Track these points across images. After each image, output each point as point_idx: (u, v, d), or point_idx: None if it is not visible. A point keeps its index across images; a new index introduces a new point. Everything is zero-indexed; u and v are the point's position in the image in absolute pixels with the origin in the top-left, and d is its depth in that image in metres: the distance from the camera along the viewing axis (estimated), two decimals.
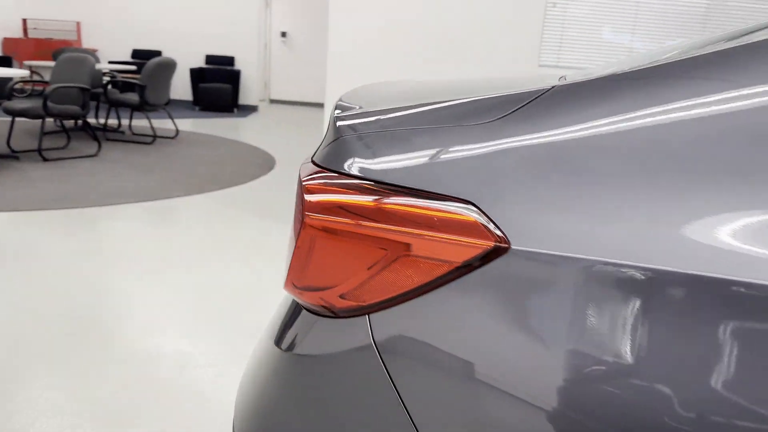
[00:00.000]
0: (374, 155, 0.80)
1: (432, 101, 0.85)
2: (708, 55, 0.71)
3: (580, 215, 0.66)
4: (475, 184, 0.71)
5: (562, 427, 0.65)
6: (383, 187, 0.76)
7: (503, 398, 0.68)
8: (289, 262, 0.85)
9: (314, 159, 0.87)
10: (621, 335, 0.63)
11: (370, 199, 0.75)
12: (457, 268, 0.70)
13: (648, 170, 0.65)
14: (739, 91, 0.65)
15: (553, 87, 0.76)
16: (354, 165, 0.80)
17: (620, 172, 0.66)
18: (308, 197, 0.80)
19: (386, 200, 0.74)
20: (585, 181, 0.67)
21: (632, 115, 0.69)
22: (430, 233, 0.72)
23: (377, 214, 0.74)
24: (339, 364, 0.79)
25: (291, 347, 0.86)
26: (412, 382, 0.73)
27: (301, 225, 0.80)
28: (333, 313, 0.80)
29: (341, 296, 0.78)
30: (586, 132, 0.70)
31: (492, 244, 0.69)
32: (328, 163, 0.83)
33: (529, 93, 0.77)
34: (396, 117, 0.84)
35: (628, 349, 0.63)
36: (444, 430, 0.71)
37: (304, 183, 0.82)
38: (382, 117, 0.85)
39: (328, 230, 0.78)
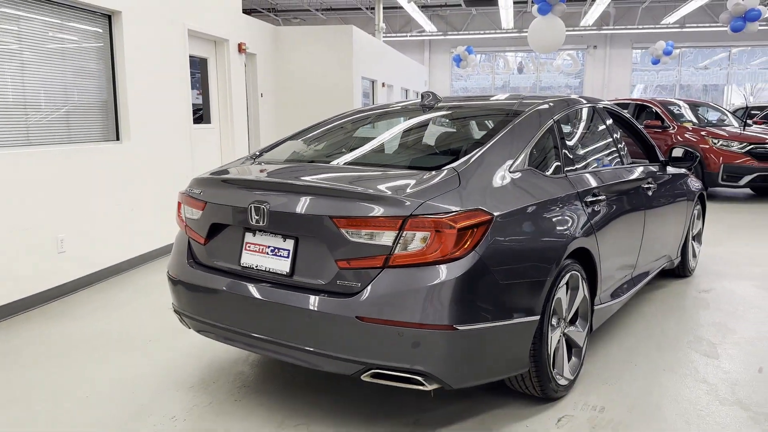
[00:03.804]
0: (449, 203, 2.33)
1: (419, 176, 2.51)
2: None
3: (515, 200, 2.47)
4: (477, 203, 2.34)
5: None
6: (452, 213, 2.29)
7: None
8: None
9: (417, 212, 2.30)
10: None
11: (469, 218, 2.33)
12: (487, 226, 2.30)
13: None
14: None
15: (453, 169, 2.54)
16: (435, 207, 2.30)
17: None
18: (457, 223, 2.27)
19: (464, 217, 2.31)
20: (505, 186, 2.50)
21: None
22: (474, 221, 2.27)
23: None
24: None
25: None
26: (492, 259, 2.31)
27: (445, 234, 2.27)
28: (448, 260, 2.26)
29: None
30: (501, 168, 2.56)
31: (491, 216, 2.25)
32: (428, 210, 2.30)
33: (437, 177, 2.50)
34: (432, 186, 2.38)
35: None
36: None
37: (446, 218, 2.27)
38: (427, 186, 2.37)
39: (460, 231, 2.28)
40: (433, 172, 2.56)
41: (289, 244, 2.55)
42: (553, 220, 2.77)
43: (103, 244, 4.97)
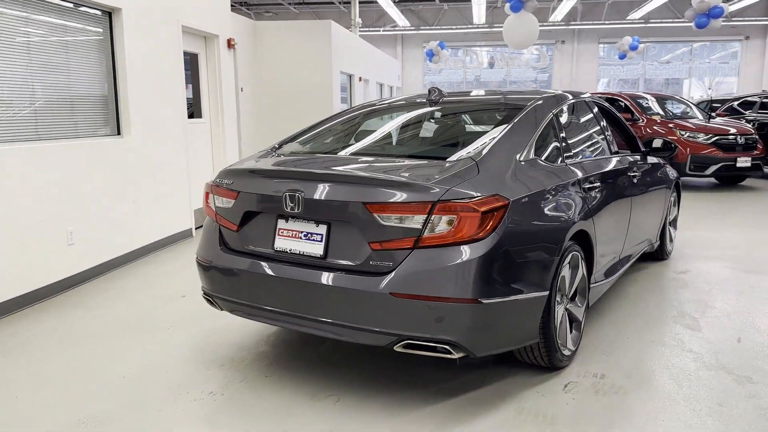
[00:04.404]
0: (471, 189, 2.56)
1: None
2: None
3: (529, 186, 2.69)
4: (495, 189, 2.55)
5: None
6: (476, 198, 2.52)
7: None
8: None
9: (444, 198, 2.52)
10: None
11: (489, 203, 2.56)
12: (504, 210, 2.52)
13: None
14: None
15: (471, 159, 2.77)
16: (462, 193, 2.56)
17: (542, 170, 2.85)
18: (480, 207, 2.52)
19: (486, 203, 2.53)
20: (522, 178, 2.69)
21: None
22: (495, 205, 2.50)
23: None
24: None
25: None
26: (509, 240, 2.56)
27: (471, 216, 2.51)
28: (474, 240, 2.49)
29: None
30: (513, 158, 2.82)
31: (508, 201, 2.51)
32: (454, 195, 2.53)
33: (459, 167, 2.73)
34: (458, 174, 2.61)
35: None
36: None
37: (470, 203, 2.50)
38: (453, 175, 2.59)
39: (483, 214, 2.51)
40: (453, 162, 2.80)
41: (322, 229, 2.76)
42: (558, 204, 3.04)
43: (108, 237, 5.09)
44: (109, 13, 5.22)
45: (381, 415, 2.76)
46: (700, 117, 10.95)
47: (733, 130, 9.90)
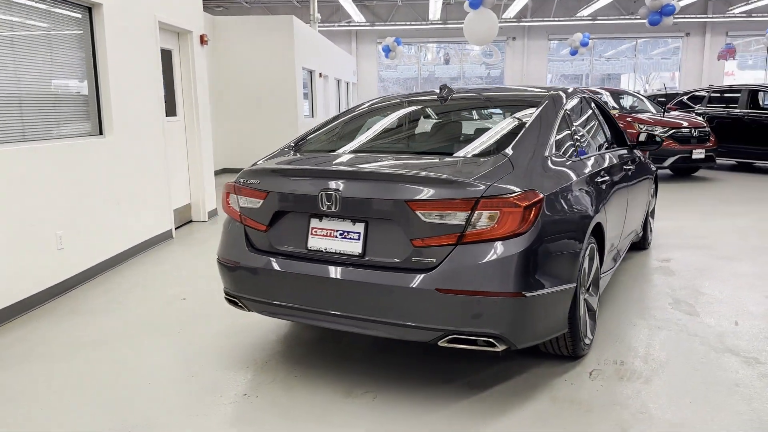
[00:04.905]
0: (511, 185, 2.65)
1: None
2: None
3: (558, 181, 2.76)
4: (530, 184, 2.62)
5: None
6: (516, 193, 2.58)
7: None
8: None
9: (487, 194, 2.56)
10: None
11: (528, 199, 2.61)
12: (540, 205, 2.60)
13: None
14: None
15: (504, 155, 2.83)
16: (502, 189, 2.63)
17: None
18: (521, 203, 2.58)
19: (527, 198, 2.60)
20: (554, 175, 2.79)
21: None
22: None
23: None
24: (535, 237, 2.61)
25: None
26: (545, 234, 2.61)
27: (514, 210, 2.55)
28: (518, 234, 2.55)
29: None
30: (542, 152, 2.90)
31: (542, 195, 2.57)
32: (495, 192, 2.57)
33: (488, 167, 2.78)
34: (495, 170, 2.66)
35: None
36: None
37: (512, 198, 2.55)
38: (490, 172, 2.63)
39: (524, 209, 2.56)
40: (487, 158, 2.85)
41: (360, 227, 2.76)
42: (581, 198, 3.13)
43: (95, 240, 4.92)
44: (89, 9, 5.03)
45: (420, 409, 2.79)
46: (653, 111, 11.39)
47: (687, 124, 10.35)
